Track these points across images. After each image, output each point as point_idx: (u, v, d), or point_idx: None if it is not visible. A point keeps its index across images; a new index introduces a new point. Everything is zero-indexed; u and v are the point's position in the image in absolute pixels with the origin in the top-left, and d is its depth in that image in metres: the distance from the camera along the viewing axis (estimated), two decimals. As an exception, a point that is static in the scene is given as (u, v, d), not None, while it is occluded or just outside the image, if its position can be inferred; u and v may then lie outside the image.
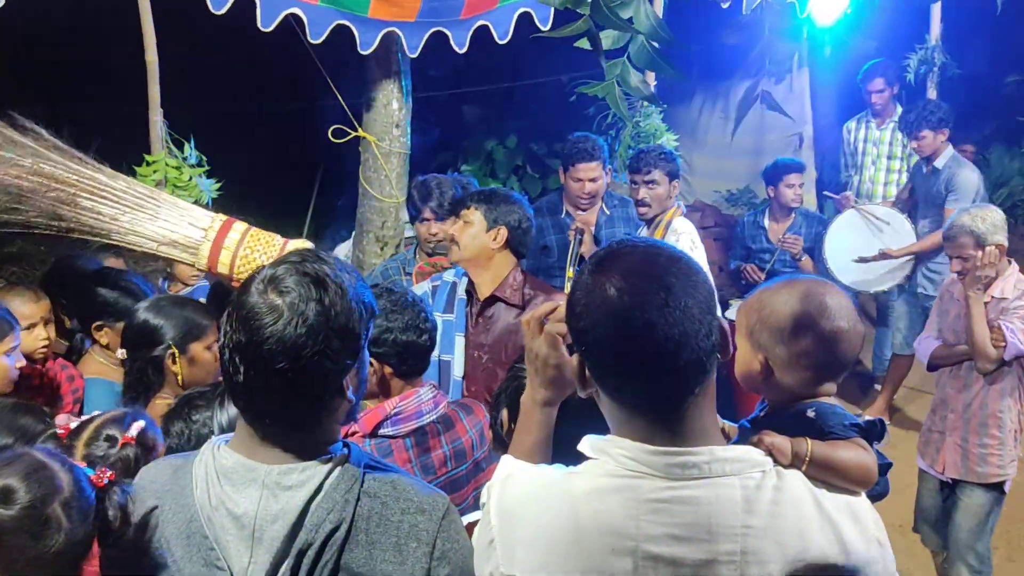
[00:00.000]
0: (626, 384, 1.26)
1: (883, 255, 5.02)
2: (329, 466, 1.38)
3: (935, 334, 3.75)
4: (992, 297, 3.45)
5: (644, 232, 3.96)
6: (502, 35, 4.32)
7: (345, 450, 1.43)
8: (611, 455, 1.26)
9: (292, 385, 1.34)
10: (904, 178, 5.73)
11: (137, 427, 1.82)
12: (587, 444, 1.31)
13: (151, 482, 1.47)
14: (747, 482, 1.24)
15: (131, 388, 2.50)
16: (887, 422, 1.59)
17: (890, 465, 1.44)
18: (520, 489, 1.32)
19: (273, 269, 1.37)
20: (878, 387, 5.68)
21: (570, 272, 3.86)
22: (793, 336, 1.44)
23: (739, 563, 1.20)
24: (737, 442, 1.45)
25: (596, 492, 1.25)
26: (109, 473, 1.48)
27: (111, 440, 1.81)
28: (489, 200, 2.99)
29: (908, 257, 5.13)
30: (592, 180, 4.12)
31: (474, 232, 2.94)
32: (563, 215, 4.22)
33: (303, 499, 1.35)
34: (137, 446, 1.80)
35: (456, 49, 4.26)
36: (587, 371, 1.30)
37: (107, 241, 2.54)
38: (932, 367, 3.75)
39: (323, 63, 4.44)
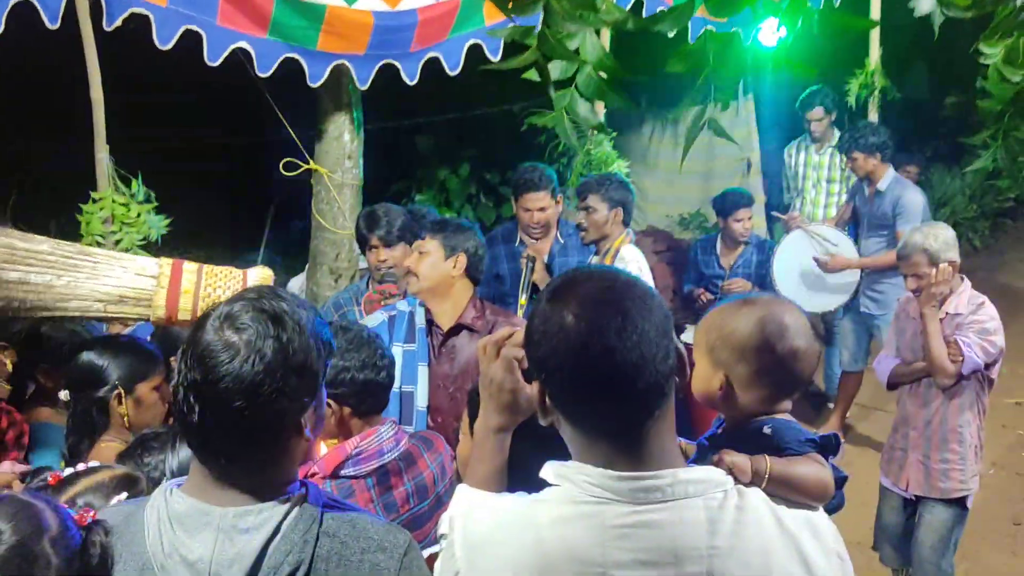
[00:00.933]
0: (587, 409, 1.26)
1: (835, 264, 5.13)
2: (286, 507, 1.35)
3: (893, 353, 3.78)
4: (947, 313, 3.50)
5: (595, 260, 3.98)
6: (453, 67, 4.35)
7: (303, 490, 1.41)
8: (574, 481, 1.26)
9: (249, 425, 1.32)
10: (843, 199, 5.86)
11: (119, 500, 1.73)
12: (549, 471, 1.30)
13: None
14: (710, 503, 1.25)
15: (75, 431, 2.44)
16: (842, 439, 1.64)
17: (846, 478, 1.46)
18: (484, 521, 1.31)
19: (229, 306, 1.35)
20: (831, 405, 5.76)
21: (522, 300, 3.87)
22: (754, 355, 1.46)
23: None
24: (696, 460, 1.46)
25: (560, 520, 1.24)
26: (92, 512, 1.46)
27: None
28: (443, 228, 2.99)
29: (853, 277, 5.24)
30: (540, 210, 4.12)
31: (432, 261, 2.93)
32: (517, 243, 4.24)
33: (260, 542, 1.32)
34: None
35: (407, 81, 4.27)
36: (547, 398, 1.30)
37: (46, 314, 2.31)
38: (891, 386, 3.77)
39: (273, 96, 4.42)
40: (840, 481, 1.43)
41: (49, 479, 1.79)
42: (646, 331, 1.21)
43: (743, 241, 5.21)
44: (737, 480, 1.31)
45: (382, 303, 3.37)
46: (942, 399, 3.55)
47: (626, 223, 4.02)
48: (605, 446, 1.26)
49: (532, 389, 1.41)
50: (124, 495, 1.75)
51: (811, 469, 1.37)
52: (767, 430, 1.44)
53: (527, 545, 1.24)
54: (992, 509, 4.46)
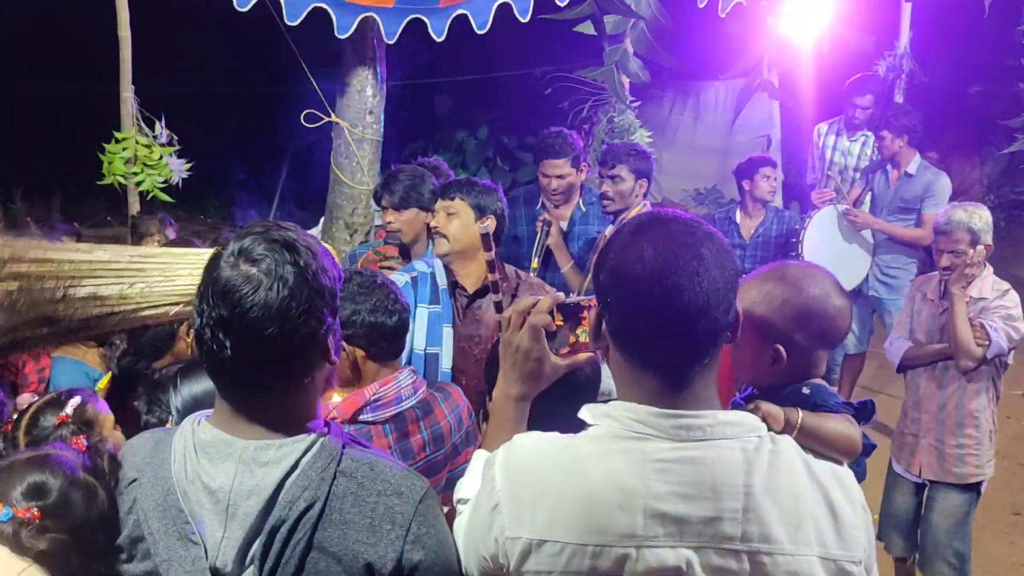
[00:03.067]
0: (643, 342, 1.29)
1: (863, 220, 5.15)
2: (307, 443, 1.37)
3: (906, 334, 3.73)
4: (971, 297, 3.47)
5: (610, 229, 3.94)
6: (481, 25, 4.31)
7: (325, 429, 1.42)
8: (616, 418, 1.30)
9: (284, 351, 1.33)
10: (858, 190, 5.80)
11: (72, 404, 1.84)
12: (587, 412, 1.34)
13: (132, 455, 1.45)
14: (746, 445, 1.28)
15: (136, 351, 2.50)
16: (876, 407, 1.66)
17: (874, 446, 1.50)
18: (528, 452, 1.33)
19: (239, 242, 1.34)
20: (835, 388, 5.77)
21: (535, 263, 3.85)
22: (808, 321, 1.50)
23: (741, 520, 1.24)
24: None
25: (604, 453, 1.28)
26: (80, 438, 1.58)
27: (48, 421, 1.85)
28: (472, 189, 2.94)
29: (867, 262, 5.25)
30: (559, 177, 4.06)
31: (463, 223, 2.89)
32: (539, 206, 4.19)
33: (278, 476, 1.34)
34: (74, 423, 1.84)
35: (434, 37, 4.25)
36: (604, 326, 1.33)
37: (122, 328, 2.10)
38: (903, 368, 3.73)
39: (298, 47, 4.40)
40: (868, 448, 1.48)
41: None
42: (716, 280, 1.25)
43: (768, 200, 5.10)
44: (770, 428, 1.35)
45: (379, 264, 3.36)
46: (959, 383, 3.51)
47: (646, 195, 4.00)
48: (652, 381, 1.29)
49: (557, 358, 1.47)
50: (77, 399, 1.86)
51: (841, 425, 1.43)
52: (805, 391, 1.49)
53: (572, 475, 1.27)
54: (993, 498, 4.47)
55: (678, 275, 1.23)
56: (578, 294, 3.73)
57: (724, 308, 1.26)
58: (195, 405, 1.88)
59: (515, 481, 1.30)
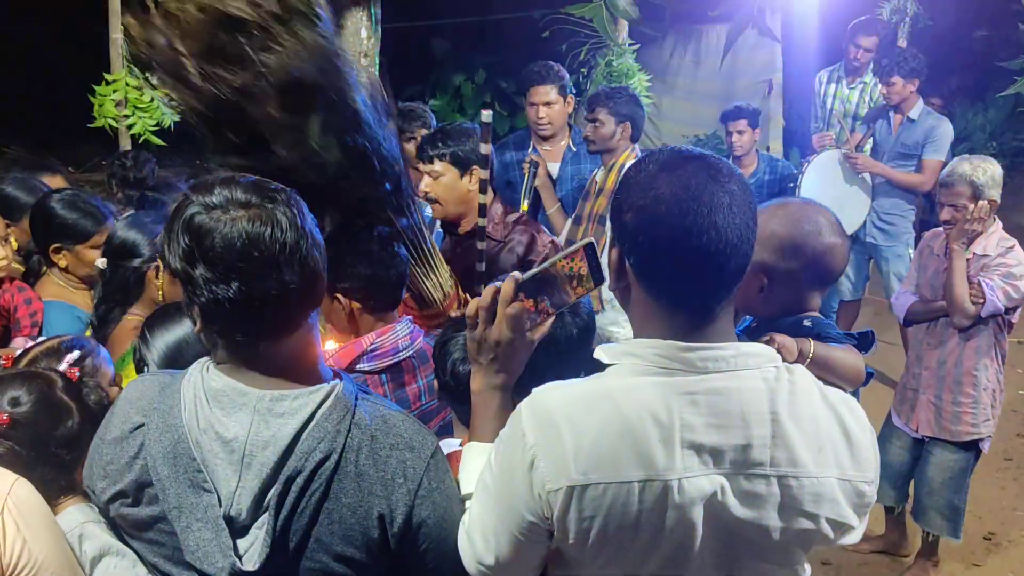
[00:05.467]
0: (676, 280, 1.28)
1: (864, 164, 5.10)
2: (321, 395, 1.36)
3: (912, 288, 3.69)
4: (974, 254, 3.39)
5: (600, 174, 3.89)
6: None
7: (337, 380, 1.42)
8: (639, 355, 1.29)
9: (295, 291, 1.32)
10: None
11: (69, 359, 1.85)
12: (603, 352, 1.33)
13: (138, 399, 1.43)
14: (767, 375, 1.30)
15: (107, 299, 2.50)
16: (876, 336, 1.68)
17: (872, 374, 1.54)
18: (556, 400, 1.30)
19: (218, 191, 1.31)
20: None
21: (524, 205, 3.81)
22: (795, 253, 1.53)
23: (770, 446, 1.27)
24: None
25: (635, 388, 1.27)
26: (75, 370, 1.76)
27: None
28: (448, 144, 2.85)
29: (865, 207, 5.22)
30: (546, 104, 3.99)
31: (448, 183, 2.84)
32: (530, 150, 4.14)
33: (295, 427, 1.33)
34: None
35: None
36: (627, 265, 1.32)
37: None
38: (907, 323, 3.71)
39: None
40: (868, 376, 1.52)
41: (3, 361, 1.94)
42: (746, 215, 1.26)
43: (737, 155, 4.97)
44: (784, 359, 1.37)
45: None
46: (958, 340, 3.47)
47: (634, 139, 3.92)
48: (680, 317, 1.29)
49: (531, 333, 1.46)
50: (76, 353, 1.89)
51: (848, 355, 1.48)
52: (807, 323, 1.52)
53: (607, 412, 1.26)
54: (985, 443, 4.52)
55: (713, 213, 1.23)
56: (562, 237, 3.70)
57: (750, 244, 1.27)
58: (171, 355, 1.87)
59: (548, 430, 1.27)
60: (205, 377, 1.37)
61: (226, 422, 1.33)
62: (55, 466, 1.66)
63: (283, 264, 1.30)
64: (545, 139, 4.09)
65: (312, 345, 1.41)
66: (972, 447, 3.55)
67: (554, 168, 4.07)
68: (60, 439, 1.66)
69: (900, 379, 3.78)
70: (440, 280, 2.41)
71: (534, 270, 1.46)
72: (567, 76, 4.10)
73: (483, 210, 2.57)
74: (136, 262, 2.47)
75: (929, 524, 3.64)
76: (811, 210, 1.56)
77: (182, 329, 1.89)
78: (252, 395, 1.34)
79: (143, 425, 1.38)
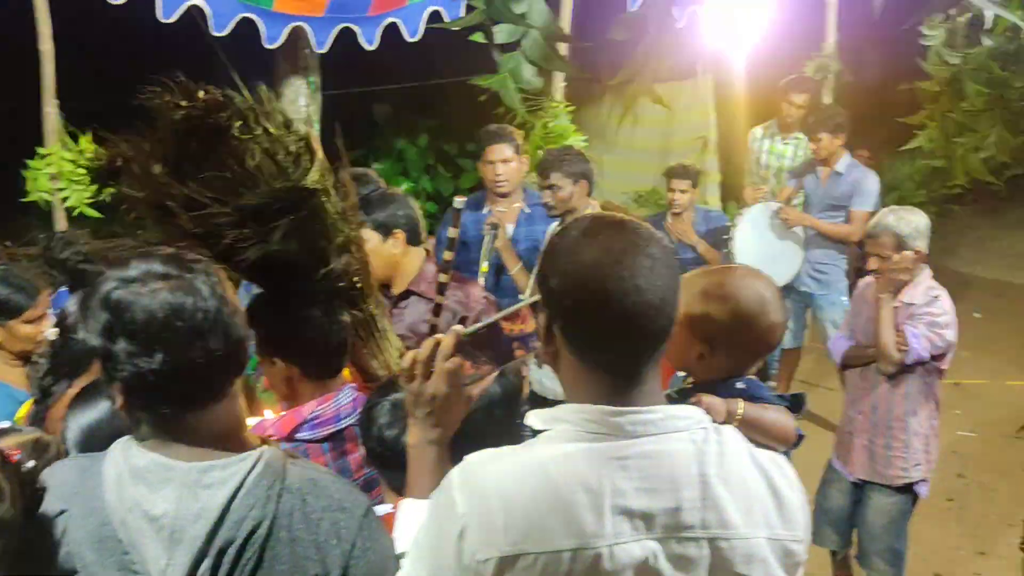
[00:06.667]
0: (600, 343, 1.30)
1: (795, 219, 5.27)
2: (250, 462, 1.36)
3: (848, 334, 3.79)
4: (901, 302, 3.47)
5: (554, 227, 3.97)
6: (412, 32, 4.32)
7: (263, 447, 1.41)
8: (570, 421, 1.31)
9: (221, 357, 1.33)
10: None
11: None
12: (535, 418, 1.34)
13: (57, 485, 1.40)
14: (695, 436, 1.32)
15: (55, 371, 2.40)
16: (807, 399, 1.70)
17: (803, 437, 1.56)
18: (487, 468, 1.31)
19: (135, 266, 1.33)
20: (772, 383, 5.87)
21: (483, 267, 3.86)
22: (739, 328, 1.55)
23: (700, 508, 1.28)
24: None
25: (564, 456, 1.28)
26: (16, 452, 1.56)
27: None
28: (372, 210, 2.89)
29: (799, 258, 5.36)
30: (504, 162, 4.09)
31: (372, 249, 2.82)
32: (485, 211, 4.20)
33: (225, 497, 1.32)
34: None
35: (365, 46, 4.23)
36: (555, 332, 1.33)
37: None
38: (843, 366, 3.79)
39: (230, 58, 4.35)
40: (799, 438, 1.54)
41: None
42: (667, 277, 1.29)
43: (675, 212, 5.12)
44: (712, 420, 1.38)
45: None
46: (888, 386, 3.54)
47: (590, 193, 4.04)
48: (606, 381, 1.31)
49: (469, 389, 1.48)
50: (31, 463, 1.74)
51: (778, 416, 1.50)
52: (740, 385, 1.55)
53: (536, 481, 1.26)
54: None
55: (635, 277, 1.26)
56: (526, 296, 3.75)
57: (673, 304, 1.30)
58: (88, 437, 1.80)
59: (479, 500, 1.26)
60: (128, 455, 1.35)
61: (152, 499, 1.31)
62: None
63: (207, 332, 1.30)
64: (502, 196, 4.16)
65: (238, 413, 1.41)
66: (908, 491, 3.60)
67: (508, 229, 4.14)
68: None
69: (839, 422, 3.85)
70: (388, 359, 2.42)
71: (477, 325, 1.48)
72: (517, 138, 4.21)
73: (442, 288, 2.59)
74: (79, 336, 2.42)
75: (873, 569, 3.67)
76: (760, 285, 1.58)
77: (96, 411, 1.83)
78: (178, 469, 1.33)
79: (64, 511, 1.35)
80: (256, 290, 2.32)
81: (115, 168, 1.96)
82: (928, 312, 3.44)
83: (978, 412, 5.86)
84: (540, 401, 3.35)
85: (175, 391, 1.32)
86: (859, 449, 3.65)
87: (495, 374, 1.53)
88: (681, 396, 1.59)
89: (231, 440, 1.39)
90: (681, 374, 1.69)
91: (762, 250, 5.26)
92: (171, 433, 1.36)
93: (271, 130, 1.99)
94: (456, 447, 1.48)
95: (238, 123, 1.93)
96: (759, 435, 1.45)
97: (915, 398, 3.54)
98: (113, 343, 1.30)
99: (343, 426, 2.17)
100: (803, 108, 5.79)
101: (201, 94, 1.93)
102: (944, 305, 3.47)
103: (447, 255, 2.57)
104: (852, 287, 4.39)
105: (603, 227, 1.32)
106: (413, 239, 3.00)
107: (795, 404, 1.58)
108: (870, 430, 3.62)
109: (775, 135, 6.00)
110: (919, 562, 4.08)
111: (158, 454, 1.35)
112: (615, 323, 1.27)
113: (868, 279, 3.72)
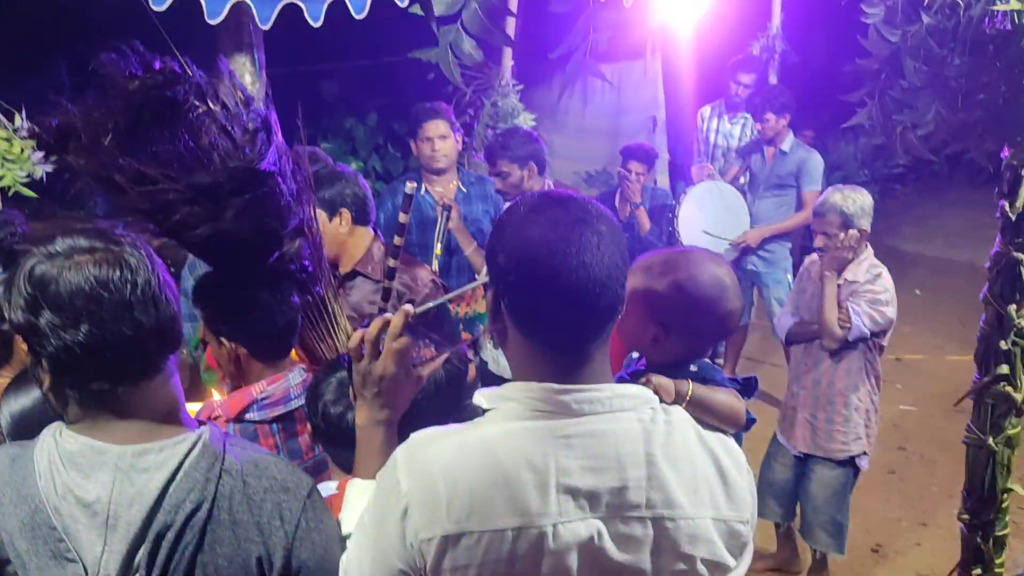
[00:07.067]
0: (547, 321, 1.30)
1: (752, 237, 5.37)
2: (188, 444, 1.34)
3: (792, 311, 3.85)
4: (844, 280, 3.56)
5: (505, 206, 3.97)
6: (359, 9, 4.23)
7: (202, 428, 1.40)
8: (516, 400, 1.30)
9: (155, 332, 1.31)
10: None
11: None
12: (482, 397, 1.34)
13: None
14: (642, 416, 1.32)
15: None
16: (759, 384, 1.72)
17: (754, 420, 1.57)
18: (431, 447, 1.30)
19: (60, 242, 1.30)
20: (720, 361, 5.96)
21: (437, 250, 3.84)
22: (697, 314, 1.54)
23: (645, 488, 1.29)
24: None
25: (510, 434, 1.28)
26: None
27: None
28: (316, 189, 2.82)
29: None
30: (441, 137, 4.03)
31: (322, 227, 2.86)
32: (423, 192, 4.17)
33: (162, 481, 1.30)
34: None
35: (311, 23, 4.15)
36: (502, 307, 1.32)
37: None
38: (788, 342, 3.87)
39: (170, 34, 4.24)
40: (749, 423, 1.54)
41: None
42: (614, 254, 1.28)
43: (633, 201, 5.15)
44: (661, 400, 1.40)
45: None
46: (831, 362, 3.63)
47: (541, 172, 4.03)
48: (553, 359, 1.31)
49: (418, 369, 1.48)
50: None
51: (728, 397, 1.50)
52: (693, 368, 1.54)
53: (481, 459, 1.26)
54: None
55: (582, 253, 1.26)
56: (481, 277, 3.74)
57: (621, 282, 1.30)
58: (21, 422, 1.77)
59: (422, 478, 1.26)
60: (59, 441, 1.33)
61: (85, 485, 1.29)
62: None
63: (136, 305, 1.28)
64: (438, 174, 4.11)
65: (174, 392, 1.38)
66: (850, 464, 3.70)
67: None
68: None
69: (783, 398, 3.93)
70: (337, 344, 2.40)
71: (427, 304, 1.47)
72: (453, 117, 4.16)
73: (392, 273, 2.58)
74: (5, 325, 2.35)
75: (815, 541, 3.77)
76: (720, 271, 1.57)
77: (29, 398, 1.79)
78: (112, 452, 1.30)
79: None
80: (202, 269, 2.28)
81: (63, 137, 1.89)
82: (870, 290, 3.53)
83: (919, 386, 6.03)
84: (495, 380, 3.36)
85: (104, 365, 1.30)
86: (802, 423, 3.73)
87: (445, 356, 1.52)
88: (632, 378, 1.59)
89: (168, 419, 1.37)
90: (635, 355, 1.70)
91: (708, 226, 5.31)
92: (103, 411, 1.33)
93: (228, 107, 1.94)
94: (404, 427, 1.47)
95: (194, 98, 1.89)
96: (708, 416, 1.45)
97: (856, 374, 3.62)
98: (37, 317, 1.27)
99: (293, 407, 2.16)
100: (750, 88, 5.87)
101: (158, 65, 1.88)
102: (885, 283, 3.56)
103: (397, 240, 2.56)
104: (796, 266, 4.47)
105: (551, 203, 1.32)
106: (361, 218, 2.97)
107: (747, 388, 1.59)
108: (812, 405, 3.70)
109: (723, 114, 6.08)
110: (861, 533, 4.19)
111: (89, 437, 1.32)
112: (561, 299, 1.27)
113: (811, 257, 3.80)
